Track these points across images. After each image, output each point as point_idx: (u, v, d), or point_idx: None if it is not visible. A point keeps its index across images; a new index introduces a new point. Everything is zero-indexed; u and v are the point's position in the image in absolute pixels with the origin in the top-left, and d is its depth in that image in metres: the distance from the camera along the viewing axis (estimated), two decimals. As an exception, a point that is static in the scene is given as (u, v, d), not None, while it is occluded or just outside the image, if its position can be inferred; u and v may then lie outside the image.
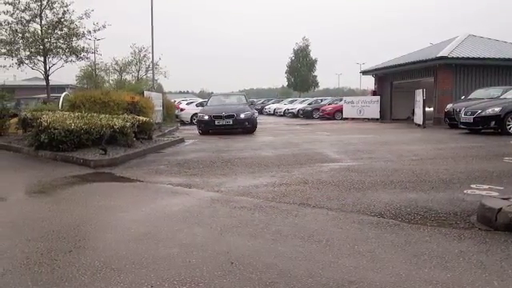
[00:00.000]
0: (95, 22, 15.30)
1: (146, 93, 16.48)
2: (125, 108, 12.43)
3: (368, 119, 23.20)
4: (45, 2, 14.57)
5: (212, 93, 30.88)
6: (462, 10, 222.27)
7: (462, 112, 13.11)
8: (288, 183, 5.73)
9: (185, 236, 3.64)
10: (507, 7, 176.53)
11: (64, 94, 15.58)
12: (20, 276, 2.88)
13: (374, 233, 3.60)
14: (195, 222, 4.04)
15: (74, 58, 15.33)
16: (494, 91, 15.25)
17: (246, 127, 14.79)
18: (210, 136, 14.19)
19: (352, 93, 65.42)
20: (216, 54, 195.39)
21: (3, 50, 14.45)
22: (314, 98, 35.98)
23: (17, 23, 14.48)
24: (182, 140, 12.28)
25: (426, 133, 14.37)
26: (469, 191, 4.94)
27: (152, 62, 29.56)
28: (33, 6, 14.50)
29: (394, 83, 23.56)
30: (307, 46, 53.97)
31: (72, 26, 14.88)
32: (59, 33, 14.83)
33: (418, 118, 17.87)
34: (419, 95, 17.84)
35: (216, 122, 14.61)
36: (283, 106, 36.03)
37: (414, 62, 20.29)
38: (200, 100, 28.75)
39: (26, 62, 14.87)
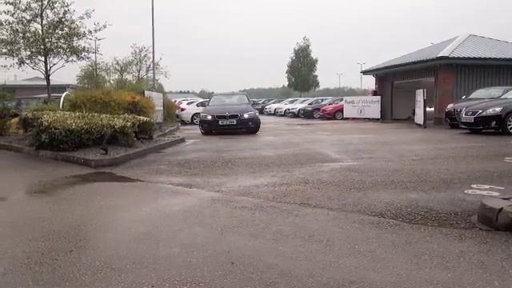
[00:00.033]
0: (96, 21, 15.31)
1: (146, 93, 16.49)
2: (125, 108, 12.45)
3: (369, 119, 23.18)
4: (45, 2, 14.55)
5: (213, 93, 30.85)
6: (462, 10, 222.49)
7: (463, 112, 13.11)
8: (289, 183, 5.73)
9: (185, 236, 3.64)
10: (507, 7, 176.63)
11: (65, 93, 15.63)
12: (21, 276, 2.88)
13: (374, 233, 3.60)
14: (196, 222, 4.05)
15: (74, 57, 15.32)
16: (494, 91, 15.23)
17: (249, 127, 14.81)
18: (211, 136, 14.20)
19: (353, 93, 65.43)
20: (216, 54, 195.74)
21: (4, 50, 14.44)
22: (315, 98, 35.91)
23: (18, 23, 14.46)
24: (182, 140, 12.29)
25: (426, 133, 14.35)
26: (469, 191, 4.94)
27: (153, 61, 29.67)
28: (34, 5, 14.49)
29: (394, 83, 23.53)
30: (308, 45, 53.94)
31: (73, 25, 14.87)
32: (60, 32, 14.81)
33: (419, 117, 17.85)
34: (420, 95, 17.83)
35: (220, 122, 14.61)
36: (284, 105, 36.02)
37: (414, 62, 20.25)
38: (201, 100, 28.79)
39: (27, 61, 14.84)
